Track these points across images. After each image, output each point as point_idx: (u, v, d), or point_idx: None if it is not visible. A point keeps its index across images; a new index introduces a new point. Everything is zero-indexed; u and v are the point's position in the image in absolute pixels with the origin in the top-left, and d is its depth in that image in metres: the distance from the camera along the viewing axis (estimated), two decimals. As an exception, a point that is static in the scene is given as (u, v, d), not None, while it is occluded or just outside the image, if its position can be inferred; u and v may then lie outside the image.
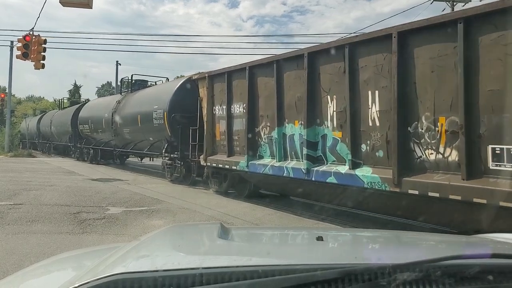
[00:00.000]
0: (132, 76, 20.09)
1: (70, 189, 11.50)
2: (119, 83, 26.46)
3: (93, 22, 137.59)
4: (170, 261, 1.29)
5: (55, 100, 64.98)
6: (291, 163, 8.47)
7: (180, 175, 13.81)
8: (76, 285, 1.02)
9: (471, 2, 23.62)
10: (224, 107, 10.71)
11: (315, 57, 8.02)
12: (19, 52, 17.40)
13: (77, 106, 27.31)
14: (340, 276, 1.00)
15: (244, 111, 9.91)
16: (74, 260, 1.77)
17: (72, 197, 10.07)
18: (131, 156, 21.62)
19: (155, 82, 19.00)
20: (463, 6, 21.24)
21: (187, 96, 13.47)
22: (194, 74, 13.04)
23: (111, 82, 72.11)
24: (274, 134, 8.93)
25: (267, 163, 9.06)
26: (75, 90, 61.98)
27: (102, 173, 17.13)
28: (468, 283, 1.04)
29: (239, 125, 10.21)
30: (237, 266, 1.10)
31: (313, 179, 7.80)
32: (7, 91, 34.28)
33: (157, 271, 1.05)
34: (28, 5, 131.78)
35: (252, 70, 9.68)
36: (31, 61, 17.44)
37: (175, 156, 13.78)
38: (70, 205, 9.03)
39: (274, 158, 8.92)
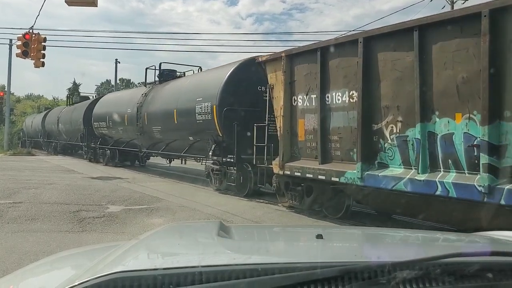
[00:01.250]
0: (160, 65, 16.92)
1: (70, 188, 11.51)
2: (118, 81, 25.99)
3: (92, 20, 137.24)
4: (169, 260, 1.29)
5: (54, 99, 64.98)
6: (448, 177, 5.84)
7: (235, 184, 10.98)
8: (76, 284, 1.02)
9: (472, -1, 23.55)
10: (314, 96, 8.01)
11: (502, 15, 5.28)
12: (19, 51, 17.36)
13: (90, 101, 24.77)
14: (340, 274, 1.00)
15: (353, 100, 7.20)
16: (74, 259, 1.77)
17: (71, 196, 10.07)
18: (152, 156, 18.85)
19: (184, 73, 16.44)
20: (463, 3, 21.20)
21: (244, 85, 11.00)
22: (258, 56, 10.10)
23: (110, 80, 72.14)
24: (412, 133, 6.27)
25: (400, 174, 6.38)
26: (74, 88, 61.87)
27: (121, 173, 17.07)
28: (468, 281, 1.04)
29: (342, 120, 7.48)
30: (236, 264, 1.10)
31: (503, 202, 5.21)
32: (6, 89, 34.30)
33: (156, 269, 1.05)
34: (25, 3, 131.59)
35: (369, 43, 6.94)
36: (31, 60, 17.42)
37: (228, 160, 11.02)
38: (70, 203, 9.03)
39: (412, 168, 6.27)
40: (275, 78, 9.05)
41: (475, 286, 1.04)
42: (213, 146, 11.51)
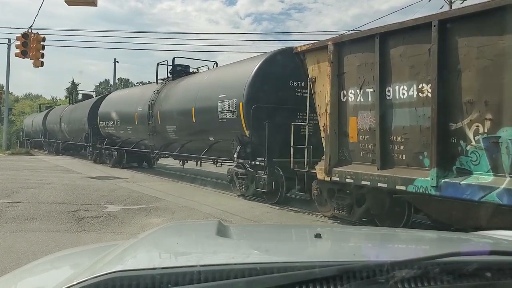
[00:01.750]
0: (174, 60, 15.76)
1: (68, 187, 11.49)
2: (117, 81, 25.69)
3: (90, 19, 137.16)
4: (168, 259, 1.29)
5: (52, 98, 64.90)
6: None
7: (265, 190, 9.76)
8: (74, 283, 1.02)
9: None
10: (371, 90, 6.89)
11: None
12: (18, 50, 17.36)
13: (94, 99, 23.83)
14: (338, 274, 0.99)
15: (424, 95, 6.11)
16: (72, 258, 1.77)
17: (70, 195, 10.06)
18: (162, 157, 17.36)
19: (197, 69, 15.57)
20: (461, 3, 21.20)
21: (274, 79, 9.98)
22: (297, 46, 8.72)
23: (108, 80, 72.04)
24: (507, 133, 5.20)
25: (490, 183, 5.28)
26: (73, 88, 61.81)
27: (130, 175, 17.08)
28: (467, 280, 1.04)
29: (408, 118, 6.36)
30: (235, 264, 1.09)
31: None
32: (4, 88, 34.22)
33: (155, 268, 1.05)
34: (24, 2, 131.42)
35: (446, 26, 5.81)
36: (30, 59, 17.42)
37: (258, 163, 9.93)
38: (68, 203, 9.02)
39: (507, 176, 5.20)
40: (318, 70, 7.89)
41: (474, 285, 1.04)
42: (238, 147, 10.50)
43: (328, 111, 7.55)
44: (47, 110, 35.35)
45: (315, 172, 7.93)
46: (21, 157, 25.70)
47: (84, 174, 15.58)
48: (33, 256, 4.68)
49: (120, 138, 19.03)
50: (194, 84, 13.35)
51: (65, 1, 12.73)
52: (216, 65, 15.31)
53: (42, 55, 17.60)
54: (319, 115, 7.96)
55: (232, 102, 10.56)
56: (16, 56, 17.58)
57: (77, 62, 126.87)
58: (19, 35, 17.44)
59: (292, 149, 8.73)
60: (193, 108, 12.35)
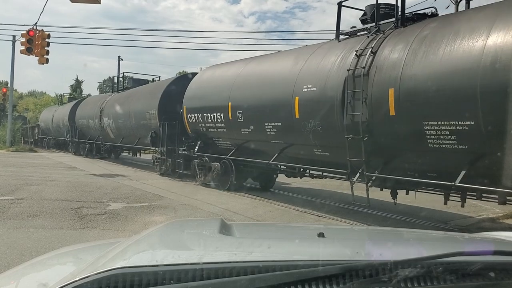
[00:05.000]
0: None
1: (71, 184, 11.52)
2: (120, 79, 24.53)
3: (94, 17, 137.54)
4: (170, 256, 1.29)
5: (56, 95, 64.97)
6: None
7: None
8: (77, 279, 1.02)
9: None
10: None
11: None
12: (22, 47, 17.40)
13: (166, 81, 16.35)
14: (341, 272, 0.99)
15: None
16: (75, 255, 1.77)
17: (73, 192, 10.09)
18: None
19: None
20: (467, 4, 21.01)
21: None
22: None
23: (113, 77, 72.14)
24: None
25: None
26: (77, 85, 61.97)
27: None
28: (470, 280, 1.03)
29: None
30: (237, 262, 1.09)
31: None
32: (9, 86, 34.33)
33: (157, 265, 1.05)
34: None
35: None
36: (35, 56, 17.46)
37: None
38: (71, 200, 9.04)
39: None
40: None
41: (477, 285, 1.04)
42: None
43: None
44: (75, 102, 28.83)
45: None
46: (25, 154, 25.77)
47: (86, 171, 15.55)
48: (36, 253, 4.70)
49: (219, 139, 11.88)
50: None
51: (69, -1, 12.76)
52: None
53: (47, 52, 17.63)
54: None
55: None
56: (21, 53, 17.64)
57: (81, 59, 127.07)
58: (25, 32, 17.49)
59: None
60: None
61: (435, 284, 1.00)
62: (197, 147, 12.37)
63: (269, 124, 9.43)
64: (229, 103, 10.69)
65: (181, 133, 13.42)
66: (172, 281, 0.97)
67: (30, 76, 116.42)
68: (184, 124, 12.92)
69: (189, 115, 12.53)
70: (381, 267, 1.00)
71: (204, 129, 11.99)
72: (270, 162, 9.75)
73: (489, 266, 1.07)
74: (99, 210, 8.10)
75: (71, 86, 62.30)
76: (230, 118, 10.70)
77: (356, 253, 1.33)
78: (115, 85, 23.74)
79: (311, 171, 9.86)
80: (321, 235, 1.49)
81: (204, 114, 11.81)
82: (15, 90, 52.72)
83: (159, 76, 21.10)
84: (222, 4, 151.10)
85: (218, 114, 11.15)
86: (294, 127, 8.70)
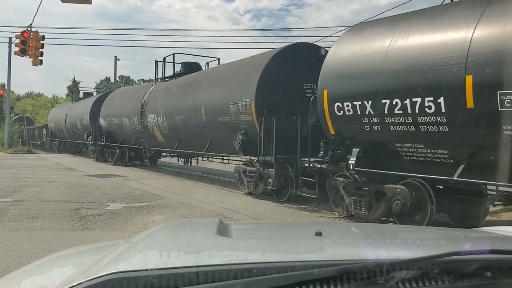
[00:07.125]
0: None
1: (70, 185, 11.51)
2: (118, 79, 24.15)
3: (89, 17, 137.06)
4: (164, 260, 1.28)
5: (54, 96, 64.81)
6: None
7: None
8: (74, 284, 1.02)
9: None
10: None
11: None
12: (17, 49, 17.36)
13: (268, 55, 11.20)
14: (337, 274, 0.99)
15: None
16: (75, 257, 1.77)
17: (72, 193, 10.08)
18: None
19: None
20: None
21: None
22: None
23: (109, 77, 71.98)
24: None
25: None
26: (74, 86, 61.83)
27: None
28: (467, 280, 1.03)
29: None
30: (233, 264, 1.09)
31: None
32: (6, 87, 34.23)
33: (151, 270, 1.04)
34: (24, 0, 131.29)
35: None
36: (29, 58, 17.41)
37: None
38: (70, 201, 9.03)
39: None
40: None
41: (474, 285, 1.03)
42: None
43: None
44: (97, 96, 24.04)
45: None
46: (23, 155, 25.76)
47: (85, 172, 15.53)
48: (36, 255, 4.69)
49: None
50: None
51: (60, -1, 12.71)
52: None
53: (41, 54, 17.58)
54: None
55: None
56: (15, 55, 17.60)
57: (78, 59, 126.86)
58: (19, 33, 17.44)
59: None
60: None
61: (433, 285, 1.00)
62: (353, 158, 7.26)
63: None
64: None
65: (311, 135, 8.42)
66: (168, 286, 0.97)
67: (27, 78, 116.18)
68: (325, 119, 7.82)
69: (337, 104, 7.47)
70: (377, 268, 0.99)
71: (378, 128, 6.84)
72: None
73: (486, 265, 1.06)
74: (98, 210, 8.11)
75: (68, 87, 62.18)
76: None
77: (353, 254, 1.33)
78: (114, 85, 23.20)
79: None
80: (318, 234, 1.49)
81: (381, 101, 6.63)
82: (13, 91, 52.56)
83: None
84: (217, 3, 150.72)
85: (428, 99, 5.94)
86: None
